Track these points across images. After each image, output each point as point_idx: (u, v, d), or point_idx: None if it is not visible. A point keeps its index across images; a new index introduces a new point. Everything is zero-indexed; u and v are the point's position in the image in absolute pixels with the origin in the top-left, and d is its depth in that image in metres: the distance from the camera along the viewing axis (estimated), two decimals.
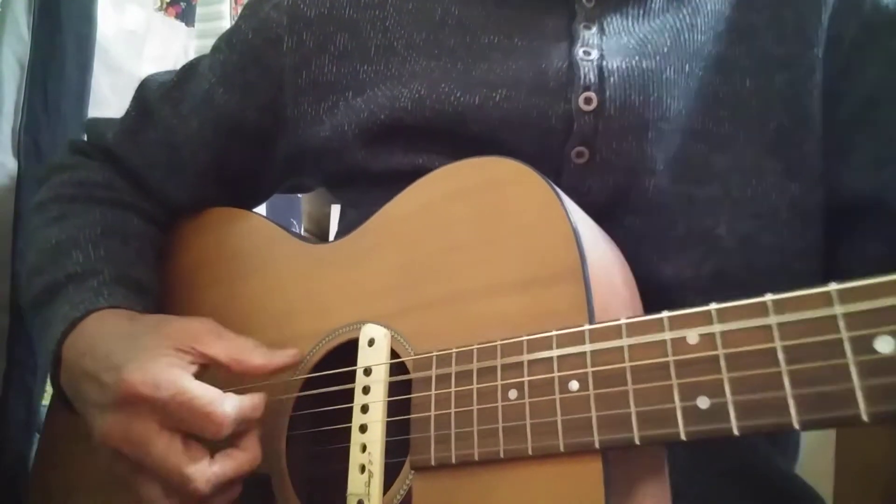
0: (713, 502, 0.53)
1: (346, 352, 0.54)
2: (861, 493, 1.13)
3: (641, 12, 0.59)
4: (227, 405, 0.50)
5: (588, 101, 0.55)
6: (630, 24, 0.59)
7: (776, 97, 0.57)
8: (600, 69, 0.56)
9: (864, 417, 0.34)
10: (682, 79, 0.57)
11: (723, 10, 0.59)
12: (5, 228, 0.83)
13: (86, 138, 0.78)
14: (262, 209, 0.98)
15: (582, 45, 0.57)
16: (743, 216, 0.56)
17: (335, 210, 1.35)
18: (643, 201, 0.55)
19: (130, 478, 0.52)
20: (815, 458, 1.15)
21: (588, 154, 0.55)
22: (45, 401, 0.84)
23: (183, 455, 0.49)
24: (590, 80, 0.55)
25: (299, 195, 1.33)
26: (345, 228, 0.62)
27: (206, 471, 0.49)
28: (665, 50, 0.57)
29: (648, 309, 0.48)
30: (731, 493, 0.55)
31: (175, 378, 0.50)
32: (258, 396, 0.53)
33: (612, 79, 0.55)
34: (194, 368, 0.53)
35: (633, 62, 0.56)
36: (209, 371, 0.55)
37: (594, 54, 0.56)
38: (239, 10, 1.22)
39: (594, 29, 0.58)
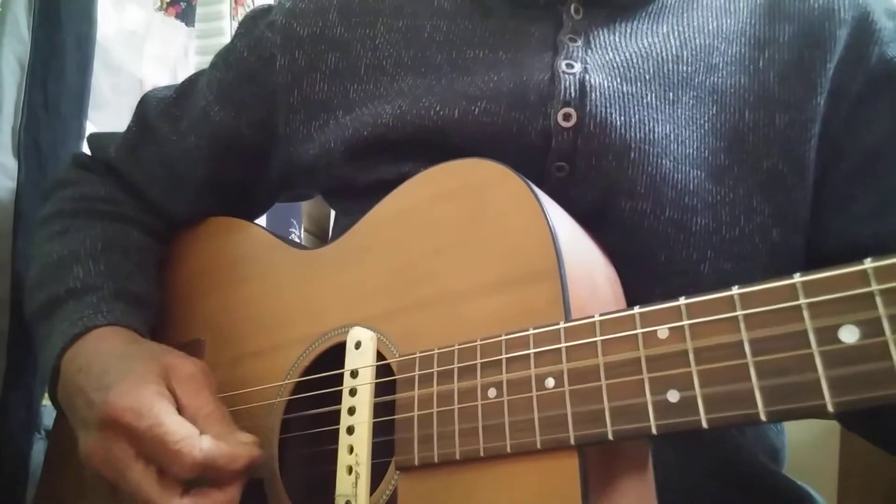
0: (699, 499, 0.53)
1: (337, 355, 0.55)
2: (864, 492, 1.12)
3: (629, 30, 0.59)
4: (197, 448, 0.49)
5: (567, 117, 0.54)
6: (617, 40, 0.58)
7: (776, 138, 0.56)
8: (582, 84, 0.55)
9: (830, 407, 0.34)
10: (665, 105, 0.56)
11: (715, 45, 0.58)
12: (5, 228, 0.83)
13: (88, 152, 0.80)
14: None
15: (565, 58, 0.56)
16: (726, 255, 0.55)
17: (334, 213, 1.37)
18: (619, 223, 0.54)
19: (113, 500, 0.53)
20: (819, 457, 1.14)
21: (568, 169, 0.55)
22: (46, 401, 0.84)
23: (156, 485, 0.49)
24: (570, 94, 0.55)
25: None
26: (337, 234, 0.63)
27: None
28: (647, 77, 0.56)
29: None
30: (716, 490, 0.54)
31: (157, 409, 0.50)
32: (242, 449, 0.51)
33: (593, 95, 0.55)
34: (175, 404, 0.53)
35: (615, 83, 0.55)
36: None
37: (577, 67, 0.56)
38: (239, 11, 1.24)
39: (580, 42, 0.58)
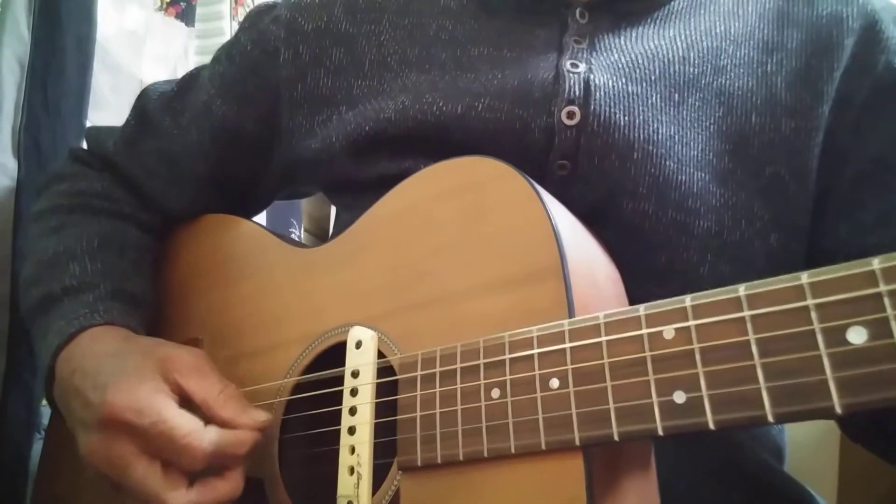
0: (701, 498, 0.53)
1: (337, 354, 0.54)
2: (864, 492, 1.12)
3: (635, 34, 0.59)
4: (206, 439, 0.50)
5: (571, 115, 0.54)
6: (622, 42, 0.58)
7: (781, 144, 0.56)
8: (586, 83, 0.55)
9: (838, 409, 0.33)
10: (670, 107, 0.56)
11: (723, 47, 0.58)
12: (5, 228, 0.83)
13: (86, 146, 0.79)
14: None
15: (570, 58, 0.56)
16: (726, 258, 0.55)
17: (335, 210, 1.36)
18: (620, 223, 0.54)
19: (113, 497, 0.52)
20: (819, 457, 1.14)
21: (570, 167, 0.55)
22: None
23: (161, 480, 0.49)
24: (574, 93, 0.55)
25: None
26: (338, 231, 0.63)
27: (182, 498, 0.49)
28: (653, 78, 0.56)
29: None
30: (719, 489, 0.54)
31: (158, 406, 0.50)
32: (246, 434, 0.52)
33: (597, 94, 0.54)
34: (176, 397, 0.53)
35: (620, 83, 0.55)
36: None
37: (582, 67, 0.56)
38: (239, 11, 1.23)
39: (584, 44, 0.57)
